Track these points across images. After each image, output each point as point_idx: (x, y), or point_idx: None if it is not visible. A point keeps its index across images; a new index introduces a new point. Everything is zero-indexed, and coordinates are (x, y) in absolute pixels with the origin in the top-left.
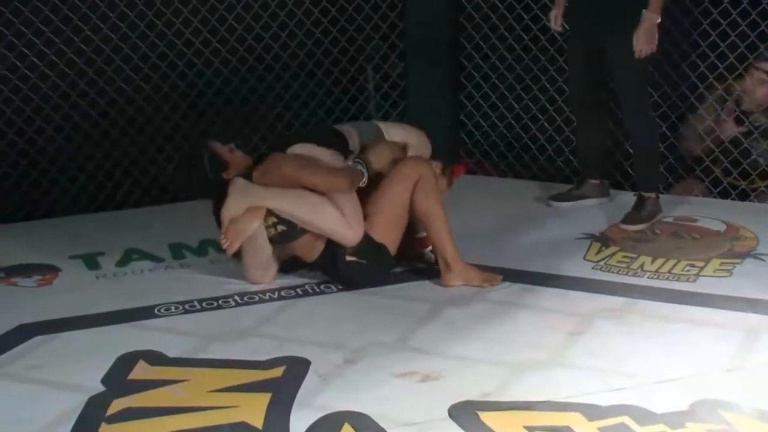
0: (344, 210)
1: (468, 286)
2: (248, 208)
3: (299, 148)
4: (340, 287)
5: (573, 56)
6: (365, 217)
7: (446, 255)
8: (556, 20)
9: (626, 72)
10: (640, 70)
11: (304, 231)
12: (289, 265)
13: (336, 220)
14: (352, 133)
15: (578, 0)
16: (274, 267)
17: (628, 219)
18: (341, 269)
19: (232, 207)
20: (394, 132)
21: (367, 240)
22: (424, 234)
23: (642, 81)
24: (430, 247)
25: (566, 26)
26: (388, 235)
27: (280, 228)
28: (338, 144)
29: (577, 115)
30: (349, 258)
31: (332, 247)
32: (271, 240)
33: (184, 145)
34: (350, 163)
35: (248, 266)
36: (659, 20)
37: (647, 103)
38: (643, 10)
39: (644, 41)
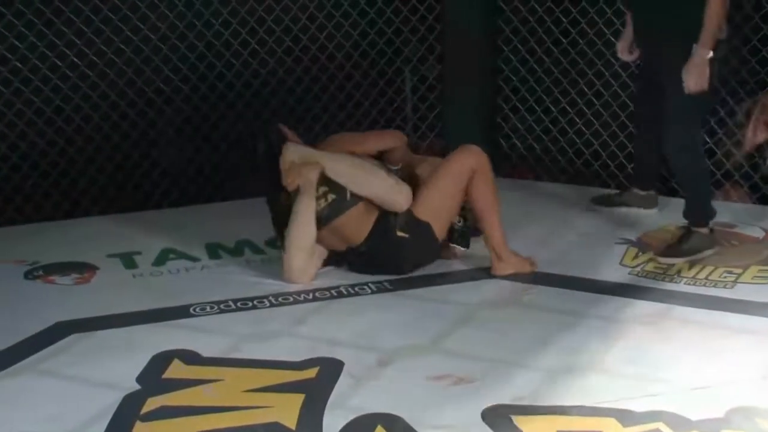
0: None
1: (518, 274)
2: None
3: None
4: (374, 289)
5: (639, 75)
6: (414, 196)
7: (498, 245)
8: (622, 51)
9: (675, 102)
10: (689, 105)
11: (353, 202)
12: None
13: (390, 183)
14: None
15: (638, 30)
16: (314, 263)
17: (667, 251)
18: (392, 243)
19: (291, 154)
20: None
21: (411, 217)
22: None
23: (689, 116)
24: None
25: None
26: (433, 217)
27: (330, 197)
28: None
29: (637, 128)
30: (399, 233)
31: (383, 223)
32: (320, 218)
33: (222, 146)
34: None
35: (290, 252)
36: (710, 56)
37: (693, 139)
38: (694, 45)
39: (692, 77)
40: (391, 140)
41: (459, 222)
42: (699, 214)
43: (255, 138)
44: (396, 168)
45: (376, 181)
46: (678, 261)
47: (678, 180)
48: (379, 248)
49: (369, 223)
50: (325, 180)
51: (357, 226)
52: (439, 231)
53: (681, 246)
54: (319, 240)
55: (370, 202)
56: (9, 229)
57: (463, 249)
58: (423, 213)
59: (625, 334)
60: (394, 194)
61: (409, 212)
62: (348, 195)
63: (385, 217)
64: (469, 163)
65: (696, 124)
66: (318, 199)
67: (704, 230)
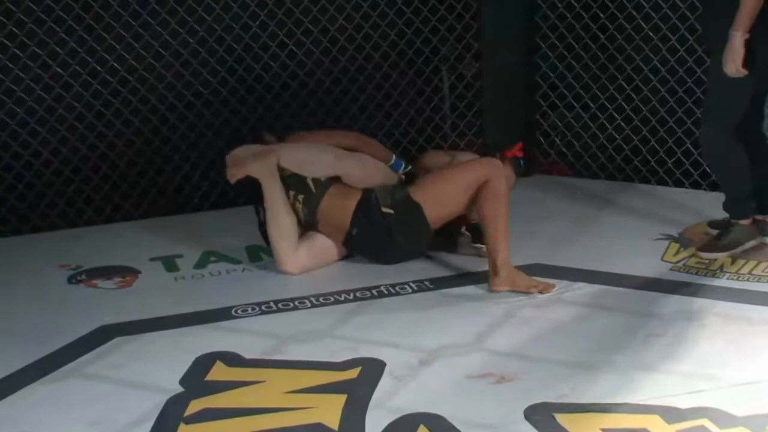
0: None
1: (514, 291)
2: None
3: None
4: (414, 288)
5: None
6: (417, 182)
7: (496, 258)
8: None
9: (710, 88)
10: (718, 90)
11: (322, 191)
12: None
13: (334, 155)
14: None
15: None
16: (305, 252)
17: (706, 246)
18: (378, 221)
19: (238, 151)
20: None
21: (405, 195)
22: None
23: (717, 101)
24: (463, 227)
25: None
26: (428, 203)
27: (300, 197)
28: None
29: None
30: (384, 209)
31: (365, 203)
32: (306, 221)
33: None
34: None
35: (273, 244)
36: (745, 37)
37: (724, 125)
38: (730, 30)
39: (728, 60)
40: (345, 139)
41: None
42: (736, 207)
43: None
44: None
45: (326, 156)
46: (719, 256)
47: (712, 171)
48: (367, 228)
49: (351, 206)
50: (288, 183)
51: (339, 212)
52: (433, 218)
53: (720, 241)
54: (324, 242)
55: (341, 187)
56: (52, 234)
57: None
58: (418, 195)
59: (668, 331)
60: (345, 164)
61: (404, 191)
62: (312, 187)
63: (367, 197)
64: (484, 171)
65: (731, 114)
66: (294, 206)
67: (745, 222)
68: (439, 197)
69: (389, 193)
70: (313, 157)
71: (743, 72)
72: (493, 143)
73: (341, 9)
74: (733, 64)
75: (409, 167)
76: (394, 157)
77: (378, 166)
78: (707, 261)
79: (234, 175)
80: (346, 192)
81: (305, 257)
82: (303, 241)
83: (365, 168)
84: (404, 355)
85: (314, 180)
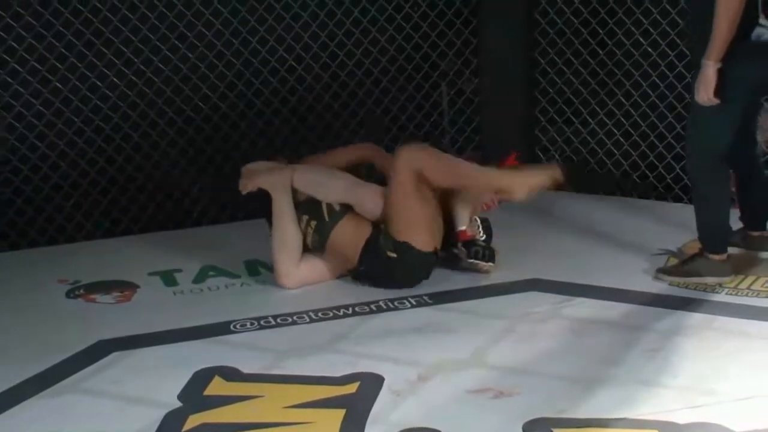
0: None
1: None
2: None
3: None
4: (413, 303)
5: None
6: (386, 219)
7: (502, 184)
8: None
9: (691, 110)
10: (699, 116)
11: (334, 220)
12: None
13: (350, 182)
14: None
15: None
16: (304, 267)
17: (666, 268)
18: (383, 263)
19: (253, 165)
20: None
21: (393, 239)
22: (463, 227)
23: (697, 127)
24: (459, 244)
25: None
26: (411, 233)
27: (313, 224)
28: None
29: None
30: (389, 254)
31: (373, 243)
32: (313, 246)
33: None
34: None
35: (274, 256)
36: (718, 66)
37: (704, 151)
38: (702, 58)
39: (699, 89)
40: (360, 151)
41: (482, 237)
42: (707, 238)
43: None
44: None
45: (339, 183)
46: (669, 279)
47: (693, 195)
48: (374, 268)
49: (360, 244)
50: (302, 208)
51: (349, 248)
52: (423, 242)
53: (682, 266)
54: (326, 263)
55: (354, 220)
56: (51, 249)
57: (489, 264)
58: (399, 233)
59: (667, 345)
60: (357, 192)
61: (389, 234)
62: (326, 215)
63: (376, 237)
64: (408, 167)
65: (712, 141)
66: (304, 230)
67: (715, 256)
68: (415, 220)
69: (390, 238)
70: (327, 181)
71: (714, 101)
72: (491, 158)
73: (341, 24)
74: (705, 93)
75: None
76: None
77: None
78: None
79: (245, 186)
80: (357, 226)
81: (305, 273)
82: (305, 258)
83: (377, 198)
84: (403, 370)
85: (328, 207)
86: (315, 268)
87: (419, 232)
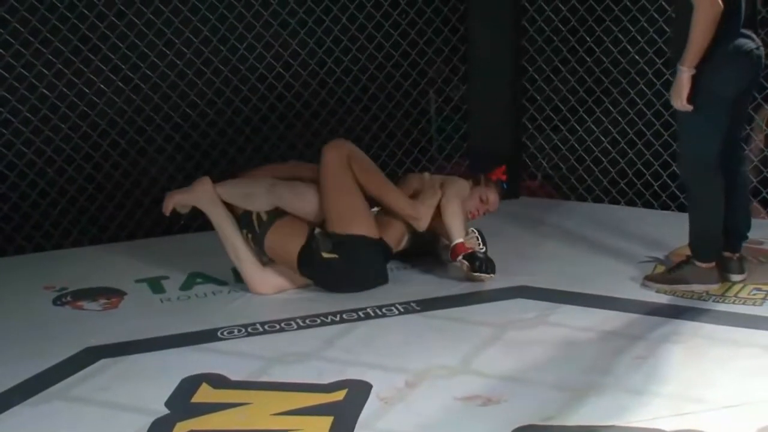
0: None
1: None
2: None
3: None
4: (401, 310)
5: None
6: (325, 217)
7: (409, 212)
8: None
9: (677, 119)
10: (684, 123)
11: (265, 228)
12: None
13: (266, 183)
14: None
15: None
16: (272, 273)
17: (653, 275)
18: (323, 267)
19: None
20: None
21: (335, 235)
22: (460, 240)
23: (684, 134)
24: (459, 257)
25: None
26: (352, 223)
27: (249, 236)
28: None
29: None
30: (325, 255)
31: (306, 251)
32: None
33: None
34: None
35: (239, 268)
36: (690, 73)
37: (696, 159)
38: (677, 64)
39: (673, 95)
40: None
41: (481, 249)
42: (698, 246)
43: None
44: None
45: (260, 189)
46: (657, 287)
47: (686, 202)
48: (314, 274)
49: (294, 250)
50: (240, 223)
51: (283, 254)
52: (368, 229)
53: (669, 273)
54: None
55: (286, 227)
56: (37, 256)
57: (491, 275)
58: (343, 226)
59: (654, 353)
60: (276, 191)
61: (330, 233)
62: (256, 225)
63: (308, 244)
64: (339, 154)
65: (702, 149)
66: (247, 243)
67: (703, 264)
68: (356, 210)
69: (328, 236)
70: (248, 189)
71: (688, 107)
72: (479, 165)
73: (328, 31)
74: (678, 99)
75: None
76: None
77: (312, 193)
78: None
79: (165, 205)
80: (289, 234)
81: (275, 278)
82: (272, 265)
83: (300, 196)
84: (391, 377)
85: (258, 217)
86: (283, 273)
87: (361, 219)
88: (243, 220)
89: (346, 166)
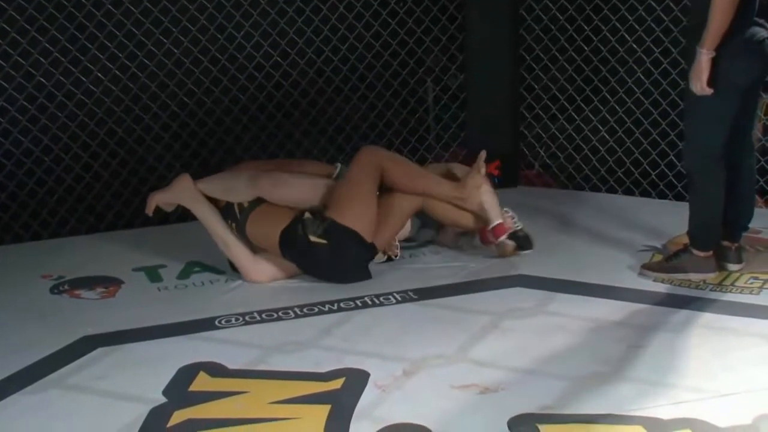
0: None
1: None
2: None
3: None
4: (399, 299)
5: None
6: (329, 204)
7: (456, 194)
8: None
9: (686, 105)
10: (694, 110)
11: (245, 217)
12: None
13: (247, 175)
14: None
15: None
16: (265, 261)
17: (650, 264)
18: (306, 250)
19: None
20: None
21: (333, 223)
22: (500, 221)
23: (692, 120)
24: (503, 236)
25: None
26: (353, 218)
27: (233, 225)
28: None
29: None
30: (313, 239)
31: (290, 231)
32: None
33: (245, 157)
34: None
35: (231, 257)
36: (711, 56)
37: (701, 147)
38: (697, 47)
39: (693, 78)
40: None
41: (518, 226)
42: (696, 235)
43: None
44: None
45: (239, 181)
46: (654, 276)
47: (687, 191)
48: (294, 257)
49: (275, 232)
50: (223, 214)
51: (264, 238)
52: (369, 234)
53: (667, 262)
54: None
55: (267, 211)
56: (35, 244)
57: (526, 251)
58: (346, 218)
59: (651, 342)
60: (257, 183)
61: (328, 217)
62: (237, 213)
63: (292, 226)
64: (372, 160)
65: (708, 137)
66: (233, 233)
67: (700, 253)
68: (365, 212)
69: (320, 221)
70: (229, 183)
71: (708, 90)
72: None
73: (326, 20)
74: (698, 82)
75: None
76: (339, 166)
77: (301, 183)
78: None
79: (148, 206)
80: (270, 216)
81: (266, 265)
82: (263, 253)
83: (281, 186)
84: (388, 366)
85: (239, 206)
86: (274, 261)
87: (363, 219)
88: (225, 211)
89: (375, 171)
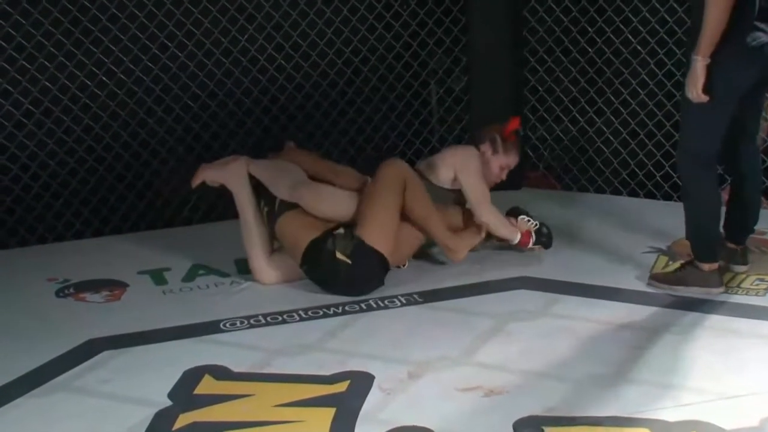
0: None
1: (475, 250)
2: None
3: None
4: (403, 301)
5: None
6: (359, 220)
7: (448, 243)
8: None
9: (682, 111)
10: (688, 116)
11: (281, 211)
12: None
13: (295, 180)
14: None
15: None
16: (276, 264)
17: (657, 275)
18: (330, 265)
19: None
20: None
21: (359, 242)
22: (518, 238)
23: (688, 127)
24: (530, 244)
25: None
26: (380, 240)
27: (266, 210)
28: None
29: None
30: (339, 256)
31: (319, 244)
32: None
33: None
34: None
35: (246, 253)
36: (705, 63)
37: (695, 155)
38: (692, 54)
39: (689, 85)
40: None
41: (535, 225)
42: (696, 246)
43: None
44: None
45: (284, 181)
46: (659, 286)
47: (682, 200)
48: (317, 269)
49: (304, 239)
50: (262, 196)
51: (291, 239)
52: (389, 252)
53: (673, 273)
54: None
55: (303, 216)
56: (40, 248)
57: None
58: (373, 238)
59: (657, 343)
60: (299, 191)
61: (357, 237)
62: (276, 205)
63: (324, 238)
64: (397, 174)
65: (702, 144)
66: (263, 217)
67: (704, 266)
68: (390, 228)
69: (350, 238)
70: (275, 178)
71: (703, 98)
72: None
73: (330, 23)
74: (693, 89)
75: None
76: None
77: (339, 199)
78: None
79: (195, 178)
80: (304, 223)
81: (278, 270)
82: (279, 255)
83: (320, 201)
84: (393, 368)
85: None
86: (288, 264)
87: (389, 241)
88: (265, 196)
89: (399, 186)
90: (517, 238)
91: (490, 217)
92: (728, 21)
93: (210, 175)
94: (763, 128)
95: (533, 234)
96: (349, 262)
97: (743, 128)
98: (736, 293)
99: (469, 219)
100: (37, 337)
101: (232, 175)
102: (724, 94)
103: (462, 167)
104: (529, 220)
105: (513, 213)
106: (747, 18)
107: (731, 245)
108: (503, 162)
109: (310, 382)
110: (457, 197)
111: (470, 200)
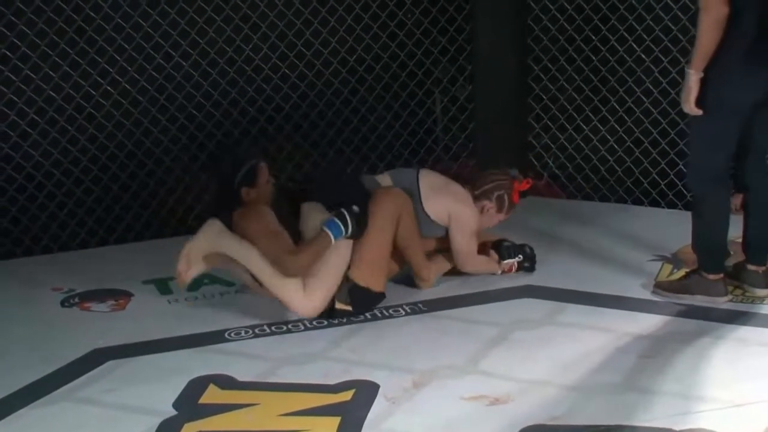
0: (311, 276)
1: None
2: (210, 254)
3: (306, 207)
4: (408, 310)
5: None
6: (353, 260)
7: (422, 273)
8: None
9: (689, 125)
10: (693, 132)
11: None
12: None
13: (294, 293)
14: (383, 183)
15: None
16: (313, 294)
17: (662, 283)
18: (332, 314)
19: (198, 242)
20: (433, 178)
21: (353, 285)
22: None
23: (693, 143)
24: (513, 270)
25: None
26: (373, 278)
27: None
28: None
29: None
30: (339, 307)
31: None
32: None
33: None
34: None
35: (280, 298)
36: (698, 76)
37: (703, 168)
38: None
39: (682, 98)
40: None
41: (525, 260)
42: (702, 257)
43: (231, 161)
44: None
45: (282, 290)
46: (664, 294)
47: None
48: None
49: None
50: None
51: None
52: (383, 285)
53: (679, 282)
54: None
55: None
56: (45, 257)
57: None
58: (364, 278)
59: (662, 352)
60: (300, 303)
61: (351, 279)
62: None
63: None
64: (395, 206)
65: (709, 157)
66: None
67: (709, 275)
68: (377, 263)
69: (344, 282)
70: (276, 285)
71: (696, 111)
72: (485, 165)
73: (334, 31)
74: (686, 103)
75: (350, 228)
76: (325, 228)
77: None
78: None
79: (184, 279)
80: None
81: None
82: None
83: (294, 295)
84: (398, 377)
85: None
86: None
87: (383, 277)
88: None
89: (394, 220)
90: (499, 272)
91: (471, 269)
92: (723, 37)
93: (187, 273)
94: None
95: (516, 264)
96: (350, 309)
97: (753, 144)
98: (742, 302)
99: (442, 243)
100: (42, 347)
101: (209, 241)
102: (716, 109)
103: (457, 224)
104: (510, 255)
105: (496, 247)
106: (745, 30)
107: (752, 267)
108: (502, 218)
109: (315, 391)
110: (441, 232)
111: (455, 251)
